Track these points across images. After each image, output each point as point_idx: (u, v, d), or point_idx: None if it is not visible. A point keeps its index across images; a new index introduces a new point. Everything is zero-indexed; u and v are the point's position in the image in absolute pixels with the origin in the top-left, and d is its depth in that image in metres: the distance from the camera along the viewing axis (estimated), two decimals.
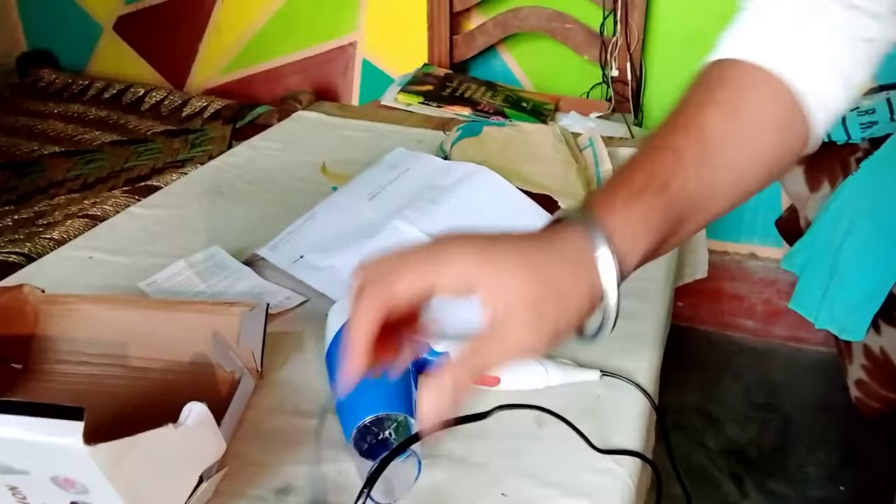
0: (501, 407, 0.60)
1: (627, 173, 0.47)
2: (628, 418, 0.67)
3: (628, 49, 1.65)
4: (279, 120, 1.88)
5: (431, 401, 0.39)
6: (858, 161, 1.46)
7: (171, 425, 0.46)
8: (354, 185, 0.96)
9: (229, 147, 1.83)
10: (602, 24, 1.65)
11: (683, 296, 1.58)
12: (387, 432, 0.55)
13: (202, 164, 1.70)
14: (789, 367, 1.87)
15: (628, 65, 1.66)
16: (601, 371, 0.69)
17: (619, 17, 1.63)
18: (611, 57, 1.66)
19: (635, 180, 0.46)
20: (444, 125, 1.38)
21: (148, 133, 1.96)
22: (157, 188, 1.60)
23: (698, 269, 1.25)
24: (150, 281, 0.84)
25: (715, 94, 0.51)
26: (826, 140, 1.52)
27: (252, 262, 0.89)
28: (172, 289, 0.83)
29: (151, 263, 0.88)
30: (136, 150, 1.87)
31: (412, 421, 0.56)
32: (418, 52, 1.84)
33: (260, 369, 0.68)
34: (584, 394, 0.69)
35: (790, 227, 1.64)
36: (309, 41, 2.06)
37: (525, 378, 0.67)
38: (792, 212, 1.64)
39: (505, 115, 1.51)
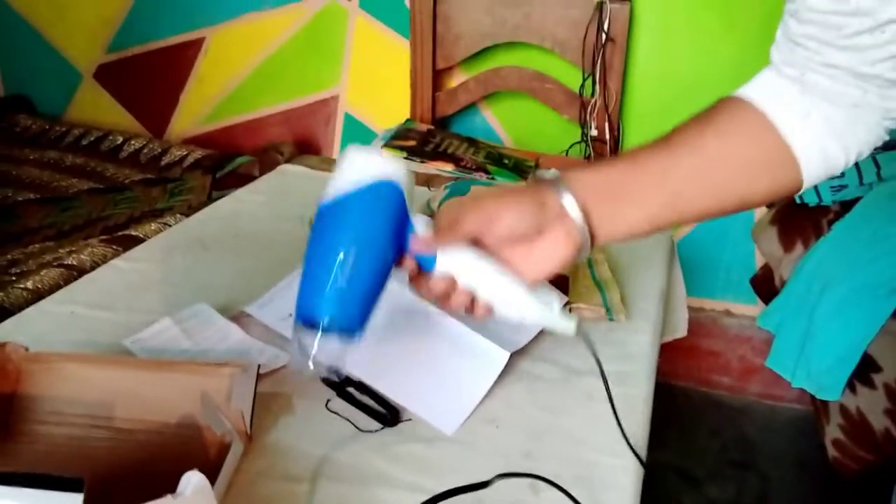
0: (501, 476, 0.60)
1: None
2: (621, 486, 0.67)
3: (606, 110, 1.69)
4: (260, 170, 1.89)
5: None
6: (830, 223, 1.50)
7: (170, 496, 0.45)
8: None
9: (209, 197, 1.83)
10: (581, 86, 1.69)
11: (661, 351, 1.59)
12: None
13: (181, 213, 1.70)
14: (766, 424, 1.88)
15: (606, 125, 1.70)
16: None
17: (597, 80, 1.67)
18: (589, 117, 1.70)
19: (605, 160, 0.68)
20: (428, 181, 1.39)
21: (126, 181, 1.95)
22: (135, 238, 1.58)
23: (678, 328, 1.27)
24: (134, 338, 0.82)
25: (712, 115, 0.64)
26: (799, 202, 1.56)
27: (239, 318, 0.88)
28: (158, 346, 0.81)
29: (135, 319, 0.87)
30: (114, 198, 1.85)
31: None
32: (400, 107, 1.87)
33: (249, 432, 0.66)
34: (579, 460, 0.69)
35: (765, 286, 1.67)
36: (292, 93, 2.08)
37: (500, 298, 0.62)
38: (766, 270, 1.68)
39: (487, 172, 1.53)
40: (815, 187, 1.53)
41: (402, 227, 0.61)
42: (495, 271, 0.61)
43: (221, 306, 0.90)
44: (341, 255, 0.58)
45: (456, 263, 0.61)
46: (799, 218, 1.56)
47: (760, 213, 1.72)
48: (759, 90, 0.64)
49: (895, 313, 1.30)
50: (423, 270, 0.62)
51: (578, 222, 0.60)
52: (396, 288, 0.84)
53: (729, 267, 1.88)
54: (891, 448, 1.28)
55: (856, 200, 1.50)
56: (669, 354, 1.84)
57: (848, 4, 0.56)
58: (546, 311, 0.63)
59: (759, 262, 1.80)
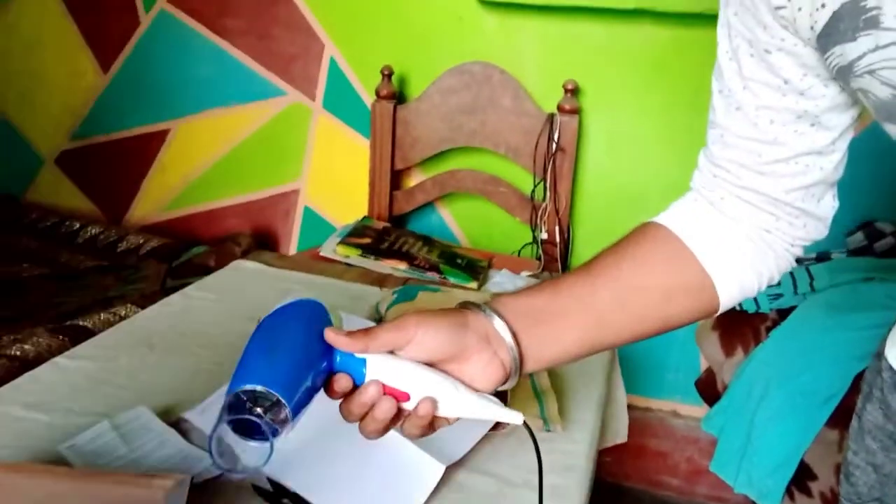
0: None
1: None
2: None
3: (557, 213, 1.76)
4: (216, 261, 1.90)
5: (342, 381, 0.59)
6: (768, 330, 1.56)
7: None
8: None
9: (163, 286, 1.83)
10: (533, 191, 1.76)
11: (610, 452, 1.60)
12: (259, 409, 0.54)
13: (133, 303, 1.69)
14: None
15: (556, 228, 1.77)
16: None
17: (548, 185, 1.75)
18: (540, 220, 1.76)
19: (529, 287, 0.68)
20: (381, 281, 1.42)
21: (79, 268, 1.94)
22: (82, 329, 1.57)
23: (619, 434, 1.29)
24: (70, 443, 0.81)
25: (631, 242, 0.68)
26: (738, 309, 1.62)
27: (178, 423, 0.88)
28: (94, 452, 0.81)
29: (74, 422, 0.86)
30: (66, 285, 1.84)
31: (287, 409, 0.55)
32: (359, 203, 1.92)
33: None
34: None
35: (709, 389, 1.71)
36: (253, 185, 2.12)
37: (438, 395, 0.59)
38: (710, 374, 1.72)
39: (440, 271, 1.57)
40: (754, 296, 1.60)
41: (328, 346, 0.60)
42: (428, 370, 0.59)
43: (163, 409, 0.90)
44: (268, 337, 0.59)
45: (388, 366, 0.58)
46: (739, 324, 1.62)
47: None
48: (678, 217, 0.68)
49: (830, 421, 1.34)
50: (355, 385, 0.59)
51: (509, 343, 0.61)
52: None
53: (676, 367, 1.92)
54: None
55: (792, 308, 1.56)
56: (618, 455, 1.87)
57: (767, 134, 0.62)
58: (490, 404, 0.60)
59: (703, 363, 1.85)
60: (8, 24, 2.24)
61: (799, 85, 0.60)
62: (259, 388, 0.54)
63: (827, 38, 0.53)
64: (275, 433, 0.55)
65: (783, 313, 1.57)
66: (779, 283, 1.65)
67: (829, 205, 0.67)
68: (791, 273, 1.60)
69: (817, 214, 0.67)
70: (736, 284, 0.66)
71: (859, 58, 0.51)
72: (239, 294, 1.29)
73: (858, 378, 1.29)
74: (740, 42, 0.61)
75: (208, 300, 1.26)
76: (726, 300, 0.67)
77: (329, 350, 0.60)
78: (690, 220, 0.67)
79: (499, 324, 0.61)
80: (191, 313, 1.21)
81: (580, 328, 0.65)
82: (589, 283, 0.65)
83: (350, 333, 0.59)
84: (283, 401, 0.55)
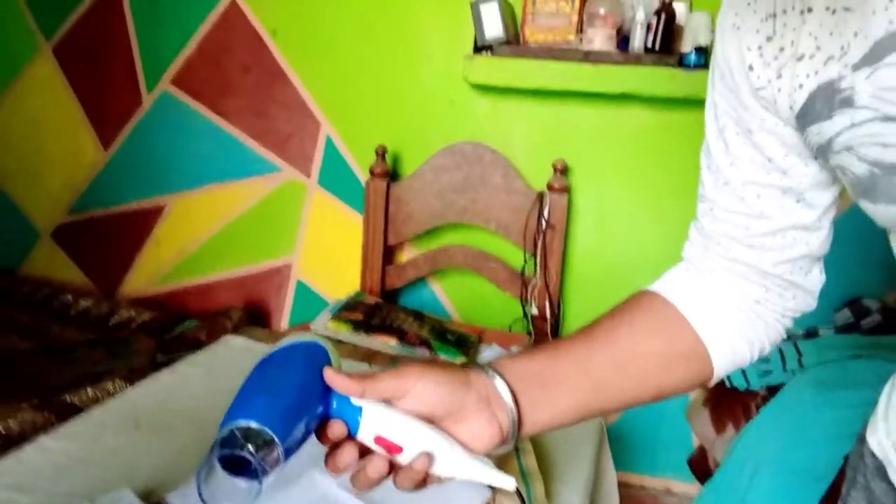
0: None
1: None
2: None
3: (547, 289, 1.78)
4: (207, 335, 1.90)
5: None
6: (758, 407, 1.55)
7: None
8: None
9: (153, 361, 1.82)
10: (523, 267, 1.79)
11: None
12: (251, 446, 0.52)
13: (121, 378, 1.68)
14: None
15: (547, 303, 1.78)
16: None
17: (538, 261, 1.77)
18: (531, 295, 1.78)
19: (528, 350, 0.67)
20: (369, 358, 1.42)
21: (70, 342, 1.93)
22: (69, 405, 1.55)
23: None
24: None
25: (627, 309, 0.68)
26: (728, 386, 1.63)
27: None
28: None
29: None
30: (55, 359, 1.83)
31: (279, 449, 0.53)
32: (352, 278, 1.93)
33: None
34: None
35: (701, 466, 1.69)
36: (246, 260, 2.14)
37: (434, 451, 0.58)
38: (702, 451, 1.71)
39: (430, 347, 1.57)
40: (743, 372, 1.61)
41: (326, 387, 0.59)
42: (424, 425, 0.58)
43: (146, 491, 0.89)
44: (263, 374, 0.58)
45: (384, 416, 0.57)
46: (729, 400, 1.61)
47: (694, 394, 1.77)
48: (672, 285, 0.69)
49: (822, 501, 1.33)
50: (349, 435, 0.58)
51: (509, 404, 0.60)
52: (318, 478, 0.85)
53: (668, 444, 1.90)
54: None
55: (781, 385, 1.56)
56: None
57: (754, 208, 0.64)
58: (483, 466, 0.59)
59: (696, 441, 1.83)
60: (13, 100, 2.31)
61: (782, 164, 0.62)
62: (254, 424, 0.53)
63: (805, 118, 0.56)
64: (264, 473, 0.53)
65: (773, 390, 1.57)
66: (768, 360, 1.65)
67: (816, 278, 0.69)
68: (780, 349, 1.61)
69: (805, 287, 0.68)
70: (729, 352, 0.67)
71: (837, 135, 0.54)
72: (227, 370, 1.29)
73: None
74: (727, 121, 0.64)
75: (196, 376, 1.26)
76: (720, 368, 0.67)
77: (326, 394, 0.59)
78: (684, 288, 0.69)
79: (501, 385, 0.61)
80: (178, 390, 1.21)
81: (577, 392, 0.65)
82: (586, 347, 0.66)
83: (349, 375, 0.58)
84: (277, 440, 0.53)
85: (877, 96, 0.50)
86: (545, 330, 1.79)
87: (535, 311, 1.78)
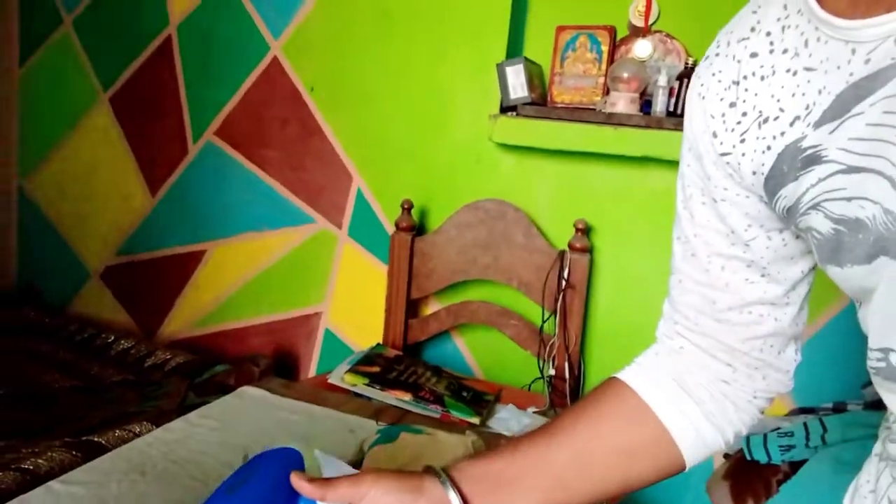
0: None
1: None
2: None
3: (567, 349, 1.77)
4: (235, 381, 1.96)
5: None
6: (779, 483, 1.50)
7: None
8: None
9: (182, 403, 1.88)
10: (542, 325, 1.78)
11: None
12: None
13: (149, 420, 1.74)
14: None
15: (566, 364, 1.77)
16: None
17: (558, 320, 1.77)
18: (549, 355, 1.77)
19: (490, 450, 0.69)
20: (378, 413, 1.44)
21: (107, 381, 2.01)
22: (96, 445, 1.62)
23: None
24: None
25: (591, 400, 0.69)
26: (749, 459, 1.57)
27: None
28: None
29: None
30: (91, 399, 1.91)
31: None
32: (376, 328, 1.96)
33: None
34: None
35: None
36: (278, 306, 2.20)
37: None
38: None
39: (443, 404, 1.58)
40: (766, 446, 1.56)
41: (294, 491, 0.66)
42: None
43: None
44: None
45: None
46: (750, 475, 1.56)
47: (716, 465, 1.72)
48: (639, 372, 0.69)
49: None
50: None
51: None
52: None
53: None
54: None
55: (804, 461, 1.51)
56: None
57: (719, 280, 0.64)
58: None
59: None
60: (71, 146, 2.45)
61: (743, 235, 0.62)
62: None
63: (773, 181, 0.56)
64: None
65: (795, 465, 1.52)
66: (791, 435, 1.60)
67: (790, 357, 0.67)
68: (805, 424, 1.55)
69: (778, 366, 0.67)
70: (697, 439, 0.66)
71: (804, 193, 0.53)
72: (239, 423, 1.33)
73: None
74: (693, 191, 0.65)
75: (207, 427, 1.30)
76: (690, 456, 0.67)
77: (294, 499, 0.64)
78: (651, 373, 0.69)
79: (452, 495, 0.62)
80: (188, 440, 1.25)
81: (536, 492, 0.65)
82: (546, 445, 0.67)
83: (312, 480, 0.63)
84: None
85: (843, 148, 0.50)
86: (564, 391, 1.77)
87: (552, 371, 1.77)
